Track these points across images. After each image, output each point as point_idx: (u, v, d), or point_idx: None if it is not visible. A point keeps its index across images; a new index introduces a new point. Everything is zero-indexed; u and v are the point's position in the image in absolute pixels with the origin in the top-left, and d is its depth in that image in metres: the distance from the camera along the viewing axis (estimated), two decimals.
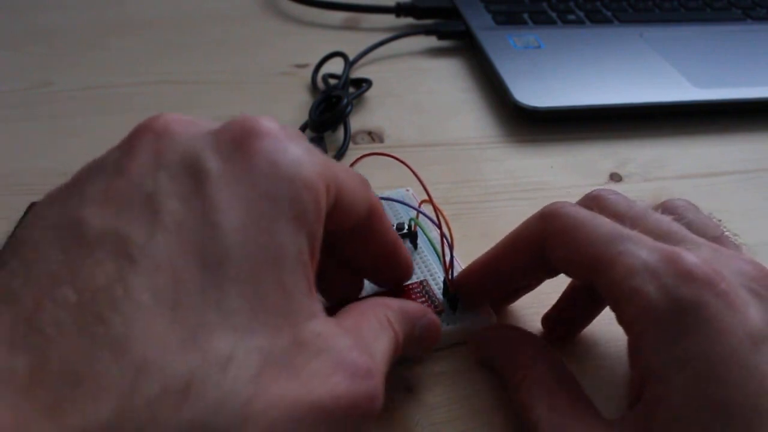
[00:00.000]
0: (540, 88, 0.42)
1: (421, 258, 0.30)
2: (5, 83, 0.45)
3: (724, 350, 0.19)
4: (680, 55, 0.46)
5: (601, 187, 0.26)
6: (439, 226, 0.26)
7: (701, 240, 0.23)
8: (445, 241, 0.27)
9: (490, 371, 0.26)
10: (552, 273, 0.25)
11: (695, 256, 0.20)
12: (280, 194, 0.18)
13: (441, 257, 0.27)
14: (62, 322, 0.15)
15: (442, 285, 0.28)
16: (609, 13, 0.52)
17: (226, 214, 0.17)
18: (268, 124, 0.19)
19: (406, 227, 0.30)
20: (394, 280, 0.27)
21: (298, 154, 0.19)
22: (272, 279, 0.17)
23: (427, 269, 0.29)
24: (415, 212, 0.31)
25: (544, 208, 0.24)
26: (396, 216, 0.32)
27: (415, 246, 0.30)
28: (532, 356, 0.24)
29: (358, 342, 0.19)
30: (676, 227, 0.23)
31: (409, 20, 0.53)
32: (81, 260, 0.16)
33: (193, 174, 0.18)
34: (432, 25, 0.51)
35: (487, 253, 0.26)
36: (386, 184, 0.35)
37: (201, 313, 0.16)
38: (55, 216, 0.17)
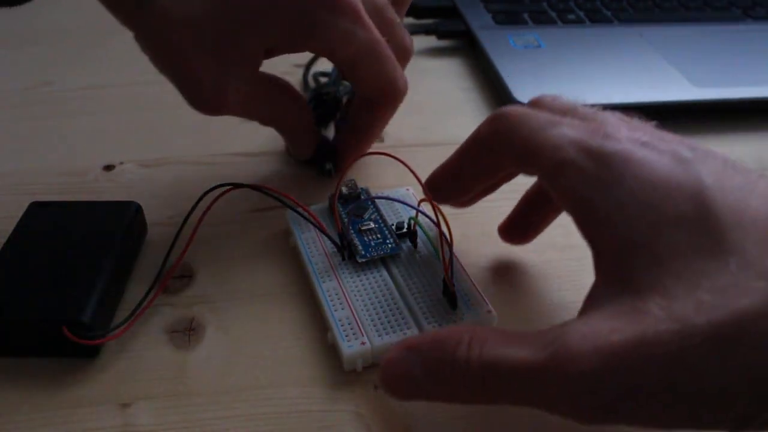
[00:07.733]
0: (540, 88, 0.42)
1: (420, 257, 0.30)
2: (5, 83, 0.45)
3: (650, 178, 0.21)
4: (680, 54, 0.46)
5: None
6: (438, 226, 0.26)
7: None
8: (444, 240, 0.27)
9: None
10: (506, 171, 0.27)
11: (613, 125, 0.23)
12: None
13: (440, 256, 0.27)
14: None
15: (441, 284, 0.28)
16: (609, 13, 0.52)
17: None
18: None
19: (406, 226, 0.30)
20: None
21: None
22: None
23: (427, 268, 0.29)
24: (415, 211, 0.31)
25: (494, 111, 0.26)
26: (396, 215, 0.32)
27: (415, 245, 0.30)
28: (461, 330, 0.21)
29: None
30: (600, 111, 0.25)
31: (409, 20, 0.53)
32: None
33: None
34: (432, 24, 0.51)
35: (449, 157, 0.28)
36: (386, 184, 0.35)
37: None
38: None
